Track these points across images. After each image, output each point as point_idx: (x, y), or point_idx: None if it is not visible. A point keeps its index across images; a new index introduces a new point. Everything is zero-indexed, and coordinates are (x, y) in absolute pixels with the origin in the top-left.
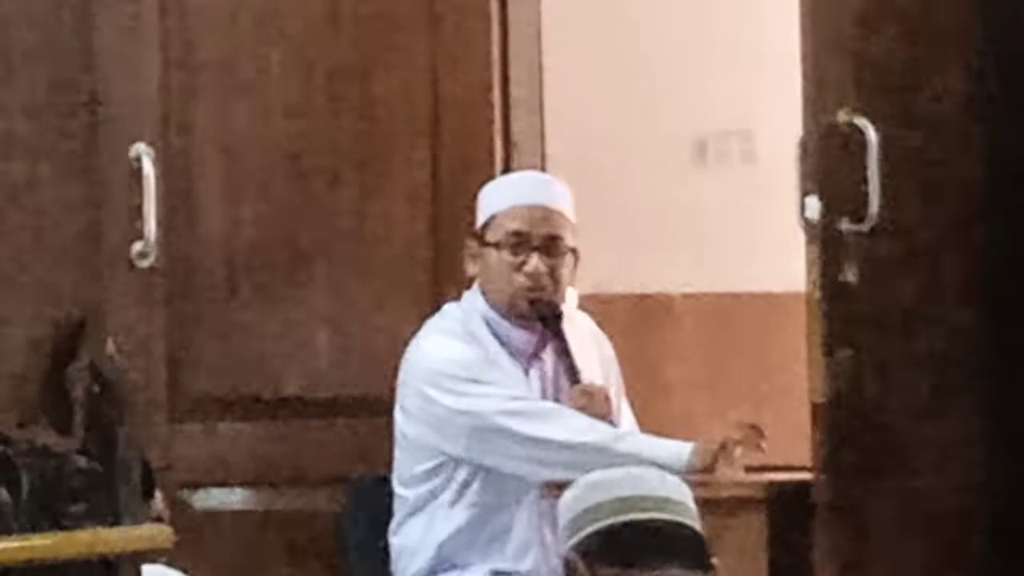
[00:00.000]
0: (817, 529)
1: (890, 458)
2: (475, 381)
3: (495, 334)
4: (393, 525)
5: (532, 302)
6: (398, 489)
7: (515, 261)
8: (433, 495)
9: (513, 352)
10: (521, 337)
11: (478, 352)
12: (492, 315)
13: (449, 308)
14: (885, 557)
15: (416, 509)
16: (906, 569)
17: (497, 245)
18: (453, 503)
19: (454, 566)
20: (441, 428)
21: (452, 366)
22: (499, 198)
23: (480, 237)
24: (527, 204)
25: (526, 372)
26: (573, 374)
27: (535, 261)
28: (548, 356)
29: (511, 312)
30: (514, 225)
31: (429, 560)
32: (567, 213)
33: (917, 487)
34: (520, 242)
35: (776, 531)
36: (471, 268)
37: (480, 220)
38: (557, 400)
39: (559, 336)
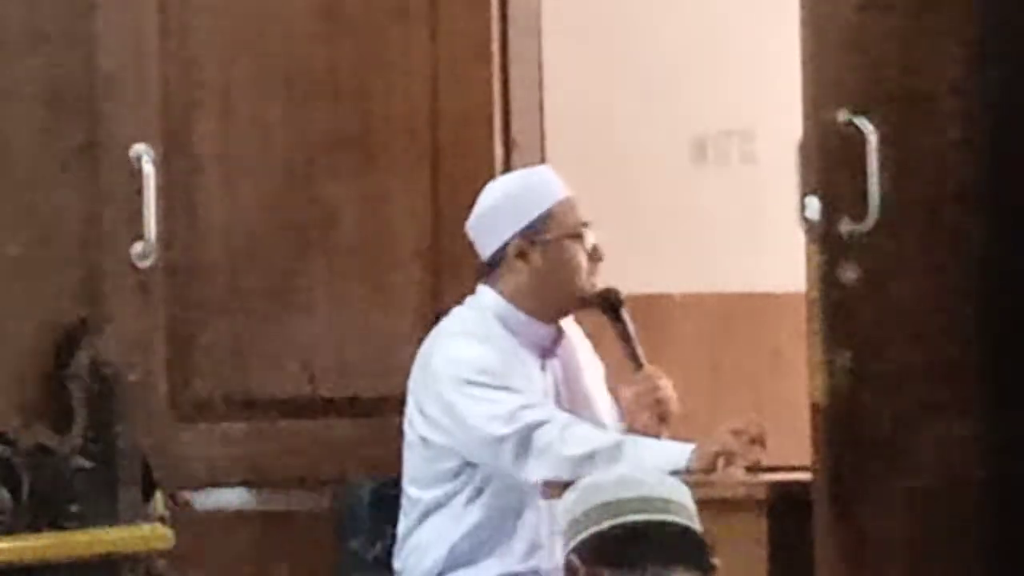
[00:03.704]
0: (817, 529)
1: (890, 458)
2: (493, 387)
3: (511, 331)
4: (405, 526)
5: (600, 291)
6: (411, 491)
7: (587, 250)
8: (449, 496)
9: (529, 347)
10: (540, 332)
11: (499, 355)
12: (509, 310)
13: (459, 311)
14: (885, 557)
15: (431, 510)
16: (905, 569)
17: (568, 237)
18: (468, 503)
19: (465, 564)
20: (460, 433)
21: (474, 372)
22: (546, 193)
23: (533, 237)
24: (568, 195)
25: (542, 368)
26: (635, 359)
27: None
28: (562, 352)
29: (578, 303)
30: (579, 215)
31: (442, 558)
32: None
33: (916, 487)
34: (585, 231)
35: (776, 531)
36: (520, 268)
37: (526, 220)
38: (569, 397)
39: (621, 320)
